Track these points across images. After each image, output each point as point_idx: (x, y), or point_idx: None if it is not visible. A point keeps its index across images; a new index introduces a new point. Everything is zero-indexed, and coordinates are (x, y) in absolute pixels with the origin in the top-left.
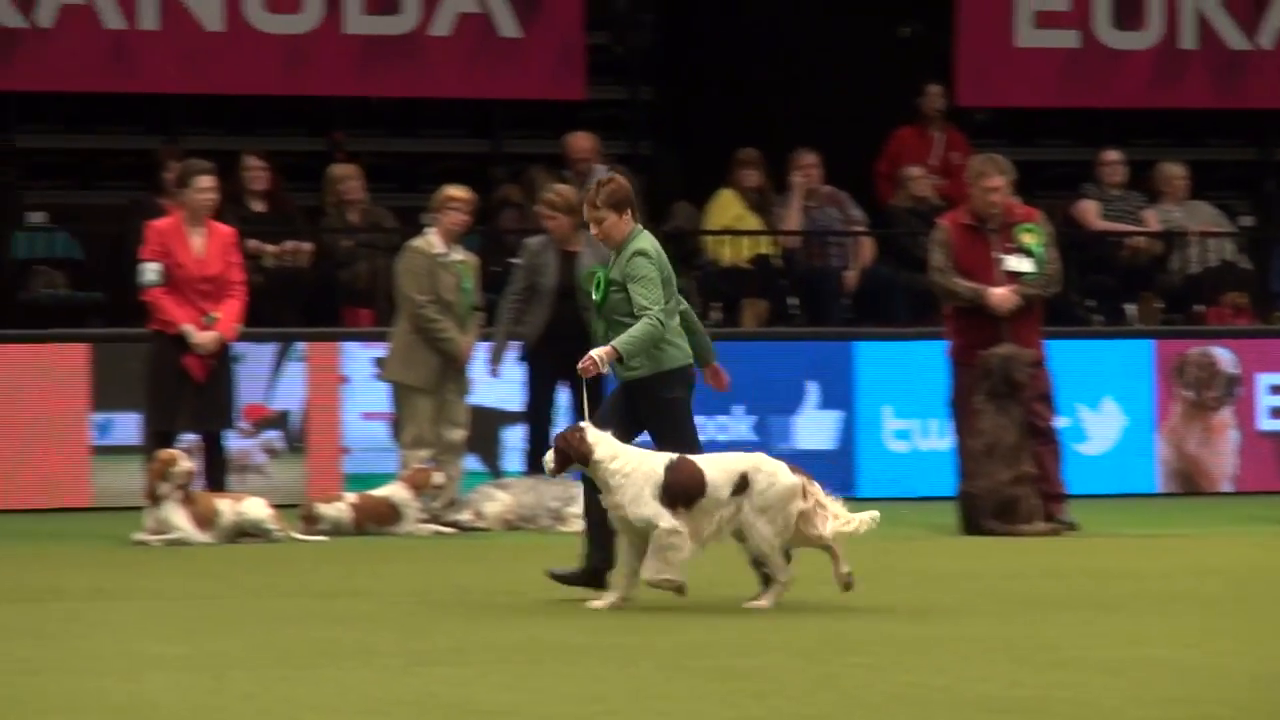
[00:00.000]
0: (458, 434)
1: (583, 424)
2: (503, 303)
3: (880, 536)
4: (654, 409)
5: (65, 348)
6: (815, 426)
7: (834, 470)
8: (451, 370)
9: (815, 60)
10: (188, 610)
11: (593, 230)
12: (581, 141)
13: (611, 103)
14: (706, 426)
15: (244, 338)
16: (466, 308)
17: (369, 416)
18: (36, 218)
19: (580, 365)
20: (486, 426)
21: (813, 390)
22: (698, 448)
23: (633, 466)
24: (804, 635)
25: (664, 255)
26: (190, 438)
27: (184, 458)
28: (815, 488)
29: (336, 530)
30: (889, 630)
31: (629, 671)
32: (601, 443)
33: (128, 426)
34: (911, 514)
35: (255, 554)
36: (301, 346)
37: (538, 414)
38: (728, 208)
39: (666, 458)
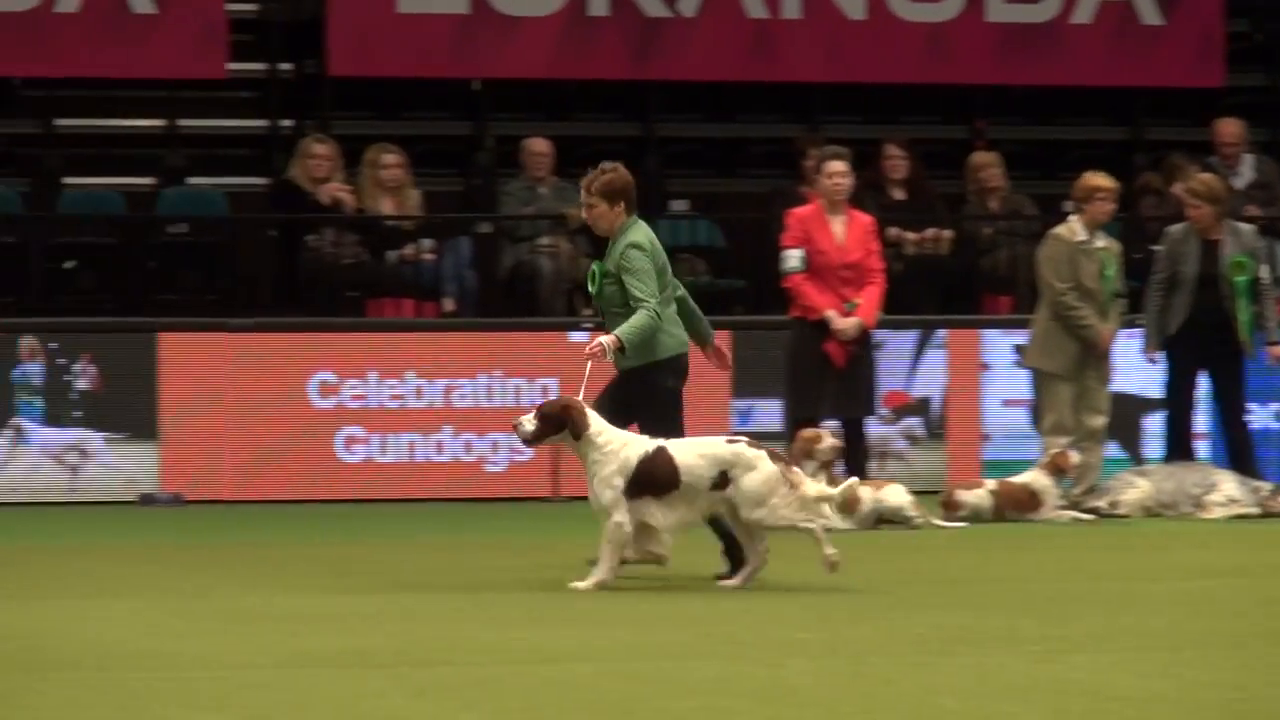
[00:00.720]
0: (1098, 420)
1: (578, 399)
2: (1148, 291)
3: None
4: (644, 397)
5: None
6: None
7: None
8: (1092, 357)
9: None
10: (826, 596)
11: (584, 214)
12: (1230, 128)
13: (1251, 89)
14: None
15: (884, 325)
16: (1108, 295)
17: (1009, 403)
18: (679, 206)
19: (587, 349)
20: (1127, 413)
21: None
22: (680, 435)
23: (612, 449)
24: None
25: (658, 245)
26: (831, 424)
27: (828, 436)
28: (795, 474)
29: (976, 517)
30: None
31: (1270, 660)
32: (595, 420)
33: (768, 413)
34: None
35: (894, 540)
36: (942, 334)
37: (1178, 401)
38: None
39: (645, 448)
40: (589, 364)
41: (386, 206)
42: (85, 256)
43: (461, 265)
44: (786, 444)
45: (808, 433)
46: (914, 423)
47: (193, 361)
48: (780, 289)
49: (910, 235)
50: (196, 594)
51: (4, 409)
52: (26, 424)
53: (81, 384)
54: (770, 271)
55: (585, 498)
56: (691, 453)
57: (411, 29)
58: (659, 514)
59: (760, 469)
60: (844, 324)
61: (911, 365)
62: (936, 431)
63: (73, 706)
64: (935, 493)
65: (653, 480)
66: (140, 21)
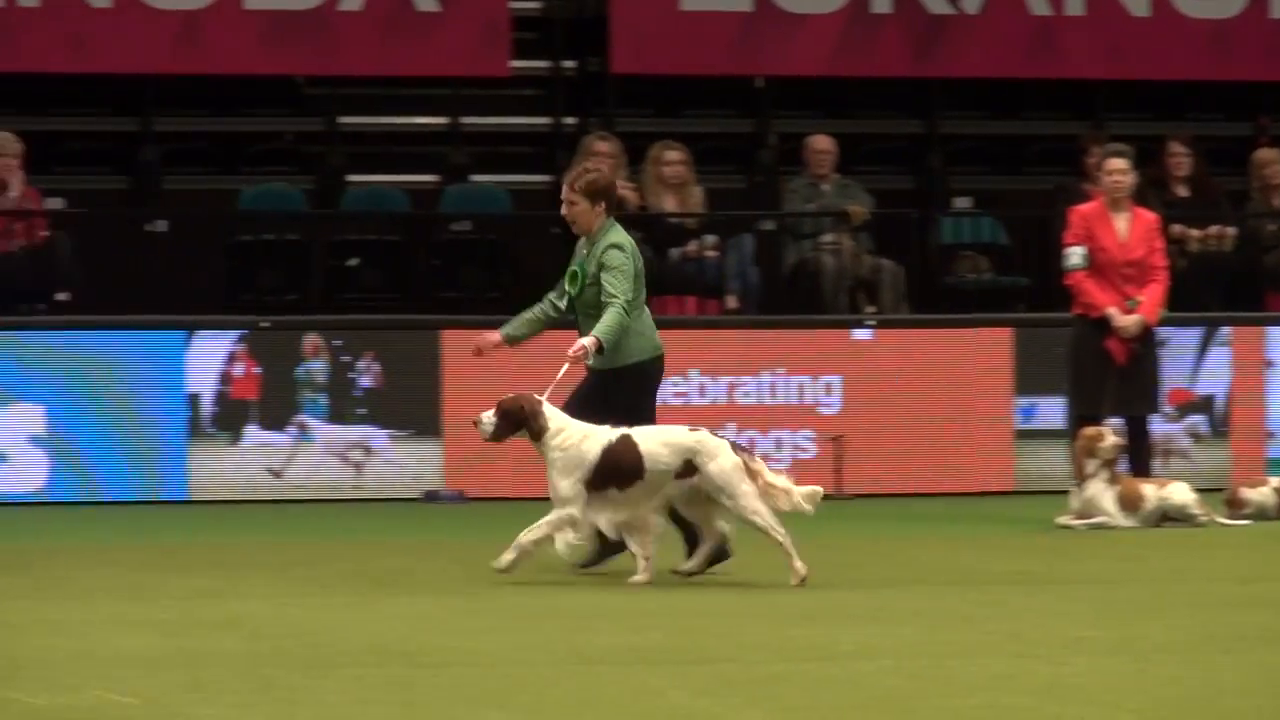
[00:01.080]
0: None
1: (541, 397)
2: None
3: None
4: (611, 401)
5: (989, 332)
6: None
7: None
8: None
9: None
10: (1110, 594)
11: (563, 211)
12: None
13: None
14: None
15: (1167, 322)
16: None
17: None
18: (962, 203)
19: (571, 351)
20: None
21: None
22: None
23: (572, 443)
24: None
25: (636, 250)
26: (1114, 422)
27: (1110, 434)
28: (759, 465)
29: (1261, 515)
30: None
31: None
32: (554, 418)
33: (1051, 410)
34: None
35: (1178, 538)
36: (1226, 331)
37: None
38: None
39: (608, 439)
40: (565, 365)
41: (669, 204)
42: (368, 254)
43: (744, 262)
44: (1069, 441)
45: (1090, 430)
46: (1198, 420)
47: (476, 359)
48: (1063, 286)
49: (1194, 232)
50: (479, 590)
51: (289, 406)
52: (311, 421)
53: (365, 381)
54: (1053, 269)
55: (871, 495)
56: (655, 441)
57: (694, 27)
58: (622, 504)
59: (723, 457)
60: (1125, 321)
61: (1195, 363)
62: (1220, 429)
63: (356, 704)
64: (1219, 490)
65: (617, 471)
66: (424, 19)
